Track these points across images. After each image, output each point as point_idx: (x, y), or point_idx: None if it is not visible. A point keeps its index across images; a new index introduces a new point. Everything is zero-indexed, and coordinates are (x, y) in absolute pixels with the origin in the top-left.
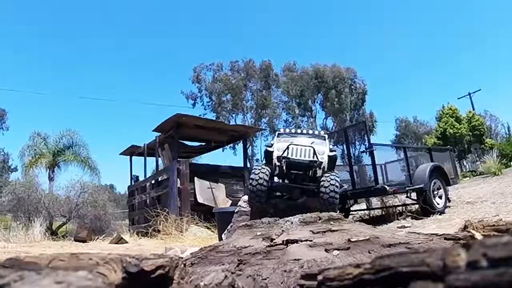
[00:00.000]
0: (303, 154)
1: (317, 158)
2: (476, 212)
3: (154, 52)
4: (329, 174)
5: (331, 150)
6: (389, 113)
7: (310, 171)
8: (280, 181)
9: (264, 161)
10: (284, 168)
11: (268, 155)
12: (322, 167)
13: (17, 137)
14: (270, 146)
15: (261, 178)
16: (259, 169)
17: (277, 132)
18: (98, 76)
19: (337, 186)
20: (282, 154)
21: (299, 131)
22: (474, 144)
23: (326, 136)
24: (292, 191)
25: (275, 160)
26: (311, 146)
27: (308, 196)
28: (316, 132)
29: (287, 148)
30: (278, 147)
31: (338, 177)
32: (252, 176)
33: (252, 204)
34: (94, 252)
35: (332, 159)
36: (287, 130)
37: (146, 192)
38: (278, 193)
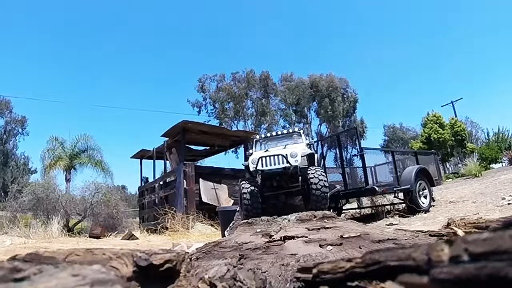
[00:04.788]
0: (276, 162)
1: (290, 164)
2: (458, 210)
3: (162, 64)
4: (314, 170)
5: (308, 145)
6: (378, 120)
7: (287, 176)
8: (264, 189)
9: (247, 175)
10: (260, 179)
11: (247, 169)
12: (299, 168)
13: (36, 142)
14: (247, 159)
15: (253, 199)
16: (246, 189)
17: (254, 140)
18: (111, 84)
19: (325, 180)
20: (256, 167)
21: (274, 133)
22: (456, 148)
23: (301, 131)
24: (277, 197)
25: (252, 173)
26: (282, 154)
27: (294, 196)
28: (291, 130)
29: (259, 160)
30: (253, 159)
31: (323, 171)
32: (243, 196)
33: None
34: (107, 247)
35: (310, 156)
36: (263, 136)
37: (155, 192)
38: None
